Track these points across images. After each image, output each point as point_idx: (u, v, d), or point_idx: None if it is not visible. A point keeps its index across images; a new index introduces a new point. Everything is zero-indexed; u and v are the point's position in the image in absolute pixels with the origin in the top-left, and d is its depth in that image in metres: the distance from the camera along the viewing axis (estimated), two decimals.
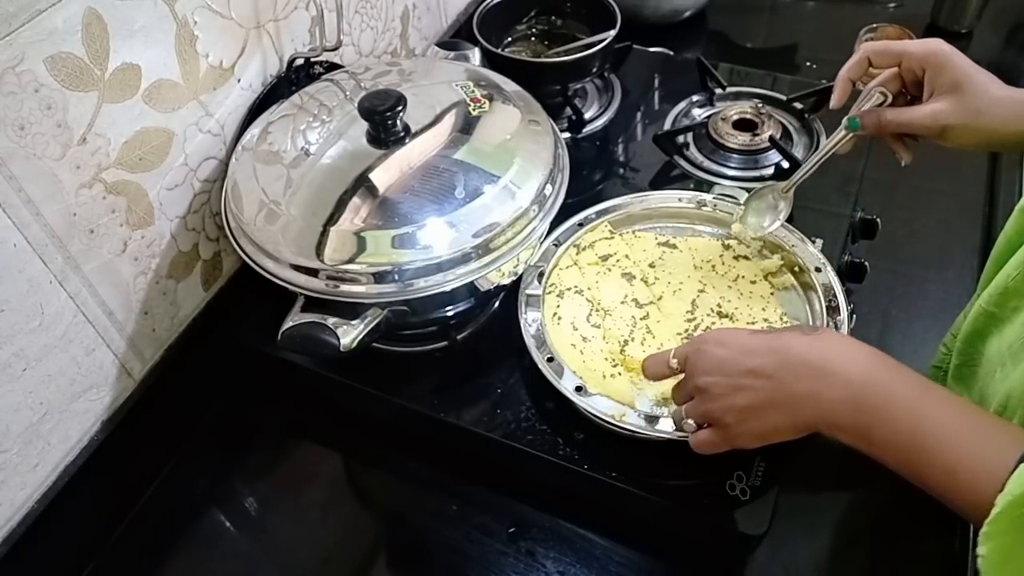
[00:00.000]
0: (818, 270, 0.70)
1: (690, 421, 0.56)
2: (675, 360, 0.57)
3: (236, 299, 0.79)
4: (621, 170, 0.93)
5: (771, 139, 0.88)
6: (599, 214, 0.78)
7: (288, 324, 0.62)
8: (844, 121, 0.64)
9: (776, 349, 0.51)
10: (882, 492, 0.70)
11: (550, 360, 0.65)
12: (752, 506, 0.60)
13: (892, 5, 1.23)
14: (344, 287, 0.61)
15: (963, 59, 0.59)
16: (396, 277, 0.61)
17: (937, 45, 0.59)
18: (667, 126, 0.94)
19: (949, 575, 0.63)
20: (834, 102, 0.65)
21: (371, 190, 0.63)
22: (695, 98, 0.98)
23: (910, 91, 0.63)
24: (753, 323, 0.68)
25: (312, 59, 0.79)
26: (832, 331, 0.60)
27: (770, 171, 0.87)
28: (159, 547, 0.70)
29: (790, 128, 0.92)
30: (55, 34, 0.55)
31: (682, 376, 0.58)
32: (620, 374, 0.65)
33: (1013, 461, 0.40)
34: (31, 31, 0.53)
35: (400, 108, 0.64)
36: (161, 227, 0.70)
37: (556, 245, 0.75)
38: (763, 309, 0.69)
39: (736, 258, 0.74)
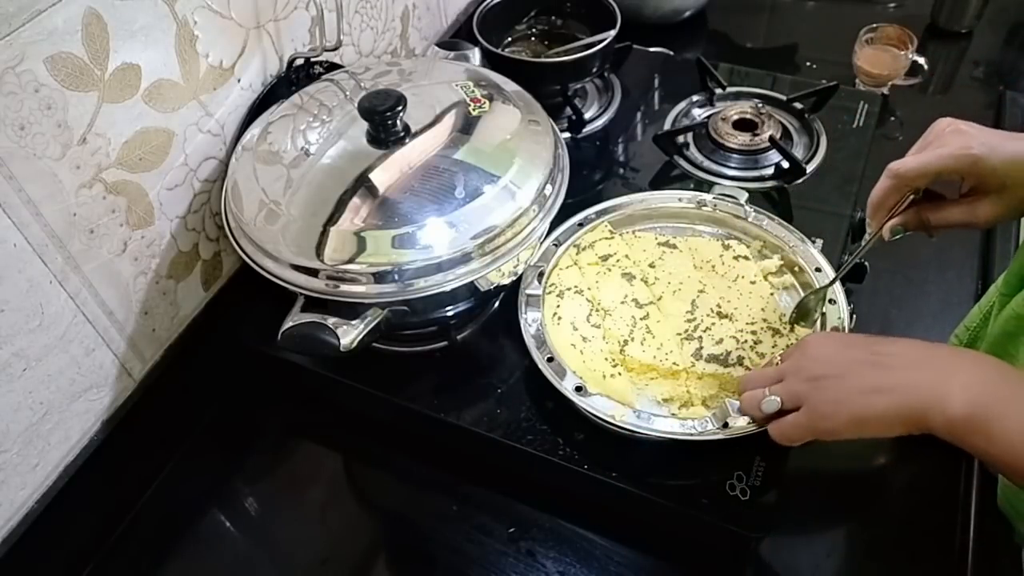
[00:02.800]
0: (818, 270, 0.70)
1: (775, 398, 0.56)
2: (778, 359, 0.57)
3: (236, 299, 0.79)
4: (621, 170, 0.93)
5: (771, 139, 0.88)
6: (599, 214, 0.78)
7: (288, 324, 0.62)
8: (886, 231, 0.62)
9: (893, 341, 0.52)
10: (882, 492, 0.70)
11: (550, 360, 0.65)
12: (752, 506, 0.60)
13: (892, 5, 1.23)
14: (344, 287, 0.61)
15: (997, 154, 0.56)
16: (396, 277, 0.61)
17: (975, 153, 0.56)
18: (667, 126, 0.94)
19: (949, 574, 0.63)
20: (874, 227, 0.63)
21: (371, 190, 0.63)
22: (695, 98, 0.98)
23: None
24: (753, 323, 0.68)
25: (312, 59, 0.79)
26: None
27: (770, 171, 0.87)
28: (159, 547, 0.70)
29: (790, 128, 0.92)
30: (55, 34, 0.55)
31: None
32: (620, 374, 0.65)
33: None
34: (31, 31, 0.53)
35: (400, 108, 0.64)
36: (161, 227, 0.70)
37: (556, 245, 0.75)
38: (762, 309, 0.69)
39: (736, 258, 0.74)
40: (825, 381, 0.53)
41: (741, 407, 0.60)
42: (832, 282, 0.68)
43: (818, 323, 0.67)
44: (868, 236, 0.64)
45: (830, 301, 0.68)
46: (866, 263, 0.78)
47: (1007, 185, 0.57)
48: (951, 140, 0.58)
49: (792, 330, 0.67)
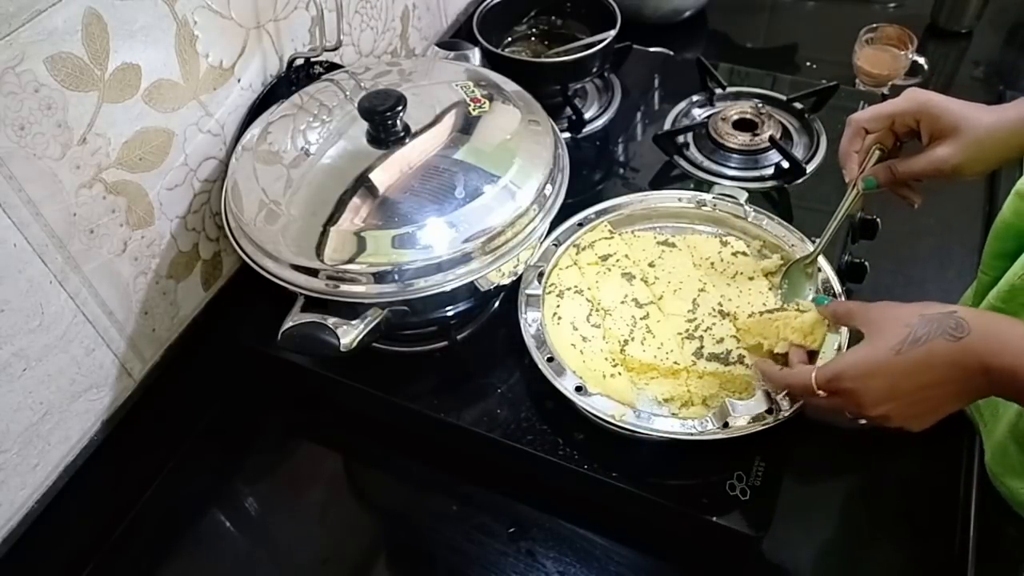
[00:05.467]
0: (818, 270, 0.70)
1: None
2: (815, 385, 0.56)
3: (236, 299, 0.79)
4: (621, 170, 0.93)
5: (771, 139, 0.88)
6: (599, 214, 0.77)
7: (288, 324, 0.62)
8: (859, 183, 0.66)
9: (934, 365, 0.51)
10: (882, 492, 0.70)
11: (550, 360, 0.65)
12: (752, 506, 0.60)
13: (892, 5, 1.23)
14: (344, 287, 0.61)
15: (949, 101, 0.61)
16: (396, 277, 0.61)
17: (923, 97, 0.62)
18: (667, 126, 0.94)
19: (949, 574, 0.63)
20: (849, 176, 0.67)
21: (371, 190, 0.63)
22: (695, 98, 0.98)
23: (902, 140, 0.66)
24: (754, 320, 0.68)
25: (312, 59, 0.79)
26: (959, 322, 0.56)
27: (770, 171, 0.87)
28: (159, 547, 0.70)
29: (790, 128, 0.92)
30: (55, 34, 0.55)
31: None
32: (620, 374, 0.65)
33: None
34: (31, 31, 0.53)
35: (400, 108, 0.64)
36: (161, 227, 0.70)
37: (556, 245, 0.75)
38: (764, 304, 0.69)
39: (735, 255, 0.74)
40: (901, 420, 0.54)
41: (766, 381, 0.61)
42: (816, 252, 0.68)
43: (800, 296, 0.69)
44: (847, 195, 0.67)
45: (832, 296, 0.68)
46: (866, 263, 0.79)
47: (960, 127, 0.60)
48: (905, 94, 0.64)
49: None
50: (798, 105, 0.93)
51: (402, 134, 0.66)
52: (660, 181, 0.90)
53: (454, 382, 0.72)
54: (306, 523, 0.71)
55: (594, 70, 0.96)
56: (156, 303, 0.71)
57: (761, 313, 0.68)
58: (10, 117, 0.54)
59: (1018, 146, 0.60)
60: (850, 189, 0.66)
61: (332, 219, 0.61)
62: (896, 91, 1.03)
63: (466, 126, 0.68)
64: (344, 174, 0.64)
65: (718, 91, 0.97)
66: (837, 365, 0.55)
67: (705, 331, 0.67)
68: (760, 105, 0.92)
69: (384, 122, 0.65)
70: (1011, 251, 0.63)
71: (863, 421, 0.55)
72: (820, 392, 0.56)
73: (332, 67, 0.80)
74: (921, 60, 1.01)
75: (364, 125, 0.66)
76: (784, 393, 0.61)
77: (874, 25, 1.03)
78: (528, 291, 0.70)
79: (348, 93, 0.71)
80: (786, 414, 0.60)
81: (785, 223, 0.74)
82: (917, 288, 0.83)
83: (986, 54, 1.13)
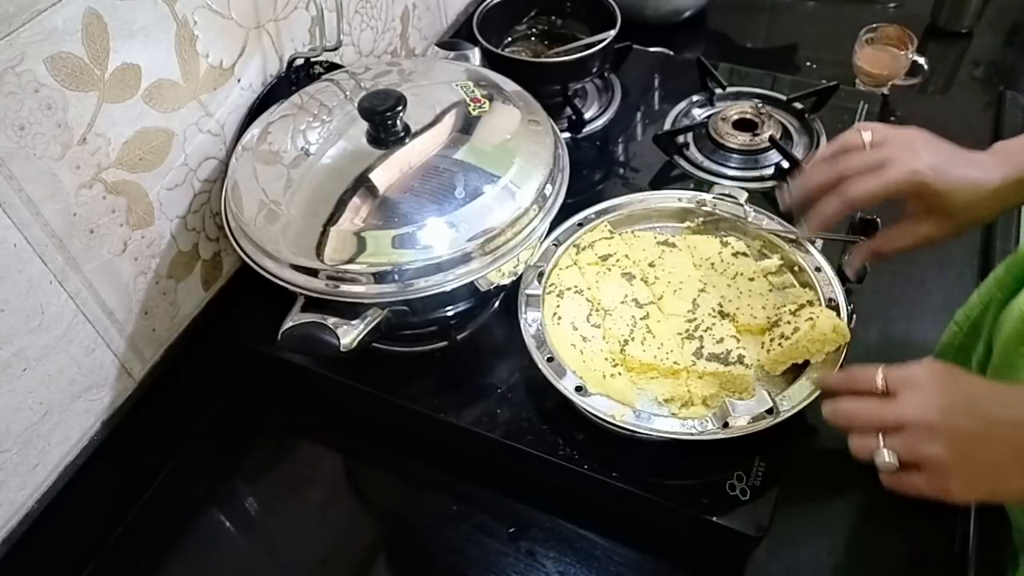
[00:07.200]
0: (818, 270, 0.70)
1: (891, 460, 0.51)
2: (881, 378, 0.52)
3: (236, 299, 0.79)
4: (621, 170, 0.93)
5: (771, 139, 0.88)
6: (599, 214, 0.77)
7: (288, 324, 0.62)
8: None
9: (1006, 403, 0.47)
10: (882, 492, 0.70)
11: (550, 360, 0.65)
12: (752, 506, 0.60)
13: (892, 5, 1.23)
14: (344, 287, 0.61)
15: (942, 182, 0.56)
16: (396, 277, 0.61)
17: (917, 180, 0.57)
18: (667, 126, 0.94)
19: (949, 574, 0.63)
20: (807, 233, 0.65)
21: (371, 190, 0.63)
22: (695, 98, 0.98)
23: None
24: (754, 319, 0.68)
25: (312, 59, 0.79)
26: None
27: (770, 171, 0.87)
28: (159, 547, 0.70)
29: (790, 128, 0.92)
30: (55, 34, 0.55)
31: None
32: (620, 374, 0.65)
33: None
34: (31, 31, 0.53)
35: (400, 108, 0.64)
36: (161, 227, 0.70)
37: (556, 245, 0.75)
38: (763, 307, 0.69)
39: (735, 255, 0.74)
40: (954, 456, 0.48)
41: (851, 446, 0.53)
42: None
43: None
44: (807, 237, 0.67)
45: (829, 300, 0.68)
46: (866, 263, 0.78)
47: (949, 212, 0.57)
48: (902, 158, 0.58)
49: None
50: (798, 105, 0.93)
51: (402, 134, 0.66)
52: (660, 181, 0.90)
53: (454, 382, 0.72)
54: (306, 523, 0.71)
55: (594, 70, 0.96)
56: (156, 303, 0.71)
57: (770, 334, 0.67)
58: (10, 117, 0.54)
59: (1005, 205, 0.58)
60: (803, 238, 0.65)
61: (332, 219, 0.61)
62: (896, 91, 1.03)
63: (466, 126, 0.68)
64: (344, 174, 0.64)
65: (718, 91, 0.97)
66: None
67: (705, 331, 0.67)
68: (760, 105, 0.92)
69: (384, 122, 0.65)
70: None
71: (886, 455, 0.50)
72: (879, 379, 0.51)
73: (332, 67, 0.80)
74: (921, 60, 1.01)
75: (364, 125, 0.66)
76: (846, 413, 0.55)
77: (874, 25, 1.03)
78: (528, 291, 0.70)
79: (348, 93, 0.71)
80: (786, 414, 0.61)
81: (785, 223, 0.74)
82: (917, 288, 0.83)
83: (986, 54, 1.13)
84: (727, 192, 0.77)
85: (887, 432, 0.51)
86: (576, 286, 0.72)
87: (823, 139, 0.90)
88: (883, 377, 0.52)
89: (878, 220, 0.81)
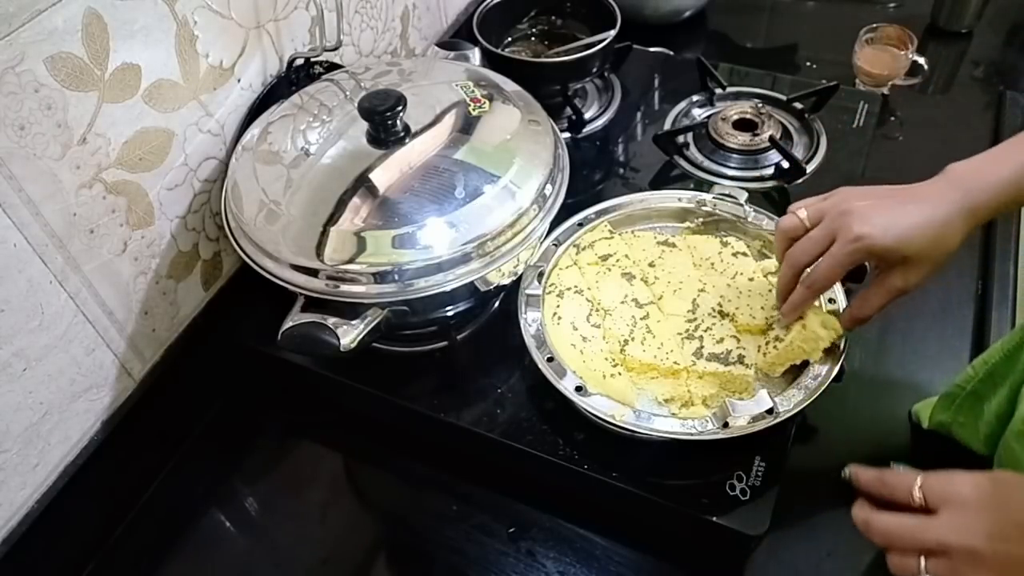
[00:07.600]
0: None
1: None
2: (919, 492, 0.48)
3: (236, 299, 0.79)
4: (621, 170, 0.93)
5: (771, 139, 0.88)
6: (599, 214, 0.77)
7: (288, 324, 0.62)
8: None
9: None
10: None
11: (550, 360, 0.65)
12: (752, 506, 0.60)
13: (892, 5, 1.23)
14: (344, 287, 0.61)
15: (888, 237, 0.56)
16: (396, 277, 0.61)
17: (862, 247, 0.56)
18: (667, 126, 0.94)
19: None
20: (786, 324, 0.65)
21: (371, 190, 0.63)
22: (695, 98, 0.98)
23: None
24: (754, 319, 0.68)
25: (312, 59, 0.79)
26: None
27: (770, 171, 0.87)
28: (159, 547, 0.70)
29: (790, 128, 0.92)
30: (55, 34, 0.55)
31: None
32: (620, 374, 0.65)
33: None
34: (31, 31, 0.53)
35: (400, 108, 0.64)
36: (161, 227, 0.70)
37: (556, 245, 0.75)
38: (762, 308, 0.69)
39: (735, 255, 0.74)
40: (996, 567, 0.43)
41: (890, 564, 0.49)
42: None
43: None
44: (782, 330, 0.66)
45: (830, 300, 0.68)
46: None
47: (909, 259, 0.56)
48: (843, 228, 0.57)
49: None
50: (798, 105, 0.93)
51: (402, 134, 0.66)
52: (660, 181, 0.90)
53: (454, 382, 0.72)
54: (306, 523, 0.71)
55: (594, 70, 0.96)
56: (156, 303, 0.71)
57: (766, 337, 0.67)
58: (10, 117, 0.54)
59: (979, 224, 0.56)
60: (781, 326, 0.66)
61: (332, 219, 0.61)
62: (896, 91, 1.03)
63: (466, 126, 0.68)
64: (344, 174, 0.64)
65: (718, 91, 0.97)
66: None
67: (705, 331, 0.67)
68: (760, 105, 0.92)
69: (384, 122, 0.65)
70: None
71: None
72: (917, 493, 0.47)
73: (332, 67, 0.80)
74: (921, 60, 1.01)
75: (364, 125, 0.66)
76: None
77: (874, 25, 1.03)
78: (528, 291, 0.70)
79: (348, 93, 0.71)
80: (786, 414, 0.61)
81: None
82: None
83: (986, 54, 1.13)
84: (727, 192, 0.77)
85: (929, 555, 0.46)
86: (576, 286, 0.72)
87: (823, 139, 0.90)
88: (922, 489, 0.48)
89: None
